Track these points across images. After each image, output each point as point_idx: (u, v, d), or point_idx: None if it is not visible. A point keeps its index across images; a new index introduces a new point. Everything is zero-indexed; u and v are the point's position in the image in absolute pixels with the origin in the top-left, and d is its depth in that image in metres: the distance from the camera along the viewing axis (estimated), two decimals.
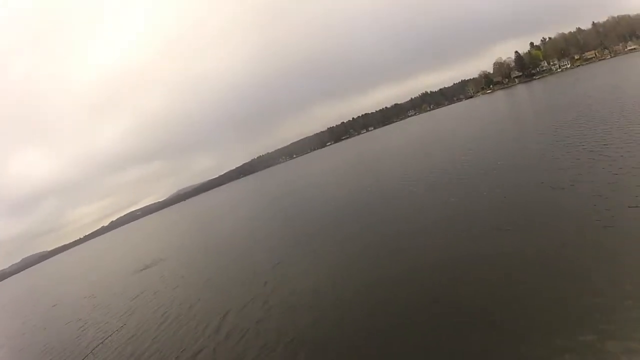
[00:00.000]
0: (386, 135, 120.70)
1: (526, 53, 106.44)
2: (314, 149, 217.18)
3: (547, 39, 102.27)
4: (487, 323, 8.29)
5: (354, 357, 9.09)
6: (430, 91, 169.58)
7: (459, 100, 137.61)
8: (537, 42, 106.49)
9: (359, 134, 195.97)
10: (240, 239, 32.86)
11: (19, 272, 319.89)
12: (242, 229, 37.66)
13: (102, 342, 10.78)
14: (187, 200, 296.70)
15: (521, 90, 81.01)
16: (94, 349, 9.91)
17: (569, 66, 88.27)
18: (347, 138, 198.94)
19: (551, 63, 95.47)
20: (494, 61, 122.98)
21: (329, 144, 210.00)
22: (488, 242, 12.15)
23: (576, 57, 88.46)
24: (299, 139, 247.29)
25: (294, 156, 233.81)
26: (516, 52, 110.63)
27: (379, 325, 10.08)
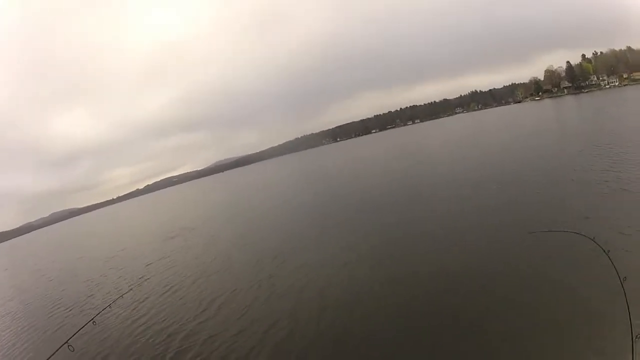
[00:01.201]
0: (433, 128, 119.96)
1: (577, 65, 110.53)
2: (359, 135, 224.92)
3: (599, 53, 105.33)
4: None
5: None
6: (480, 91, 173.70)
7: (507, 103, 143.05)
8: (588, 55, 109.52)
9: (404, 124, 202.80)
10: (268, 217, 34.09)
11: (47, 226, 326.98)
12: (273, 208, 38.95)
13: (108, 306, 11.26)
14: (224, 172, 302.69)
15: (570, 102, 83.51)
16: (97, 314, 10.20)
17: (617, 84, 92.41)
18: (393, 127, 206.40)
19: (600, 78, 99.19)
20: (544, 68, 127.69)
21: (374, 131, 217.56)
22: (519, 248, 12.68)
23: (624, 76, 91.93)
24: (344, 123, 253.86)
25: (338, 139, 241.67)
26: (567, 62, 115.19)
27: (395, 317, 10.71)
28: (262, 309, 13.62)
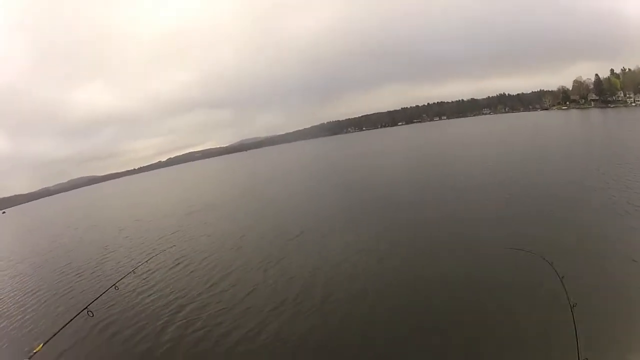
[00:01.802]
0: (459, 126, 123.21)
1: (605, 79, 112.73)
2: (385, 126, 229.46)
3: (627, 70, 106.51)
4: None
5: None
6: (508, 94, 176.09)
7: (534, 109, 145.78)
8: (617, 70, 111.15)
9: (431, 120, 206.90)
10: (288, 200, 35.55)
11: (64, 191, 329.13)
12: (294, 192, 40.28)
13: (118, 281, 10.55)
14: (247, 151, 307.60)
15: (596, 115, 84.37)
16: (107, 289, 10.00)
17: None
18: (419, 122, 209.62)
19: (627, 95, 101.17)
20: (573, 78, 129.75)
21: (400, 123, 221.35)
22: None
23: None
24: (370, 113, 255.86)
25: (363, 128, 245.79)
26: (596, 75, 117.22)
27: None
28: (269, 289, 14.52)
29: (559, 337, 8.33)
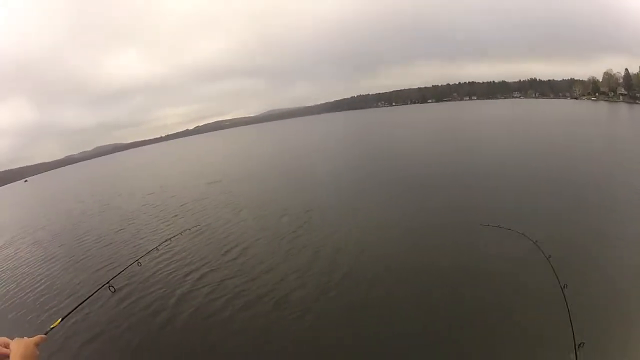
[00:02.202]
0: (490, 108, 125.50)
1: (635, 74, 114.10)
2: (415, 102, 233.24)
3: None
4: None
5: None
6: (539, 79, 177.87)
7: (564, 97, 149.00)
8: None
9: (461, 99, 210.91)
10: (310, 173, 36.23)
11: (90, 159, 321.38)
12: (318, 164, 41.12)
13: (141, 257, 9.83)
14: (276, 121, 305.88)
15: (624, 109, 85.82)
16: (130, 265, 9.19)
17: None
18: (449, 100, 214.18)
19: None
20: (603, 70, 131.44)
21: (430, 100, 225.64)
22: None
23: None
24: (400, 89, 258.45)
25: (393, 104, 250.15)
26: (626, 69, 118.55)
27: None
28: (280, 261, 15.31)
29: (551, 321, 7.93)
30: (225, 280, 14.56)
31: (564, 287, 5.81)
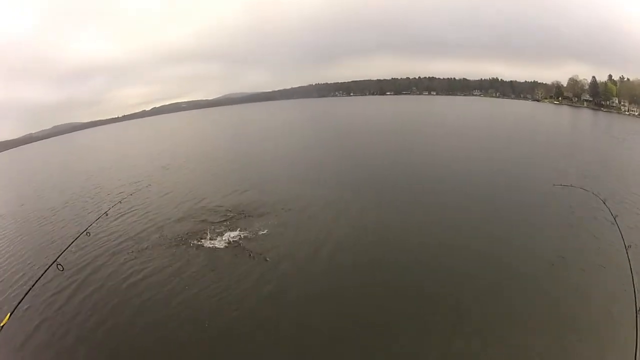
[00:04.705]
0: (447, 104, 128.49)
1: (602, 83, 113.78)
2: (373, 94, 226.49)
3: (626, 79, 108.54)
4: None
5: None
6: (501, 79, 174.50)
7: (525, 98, 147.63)
8: (615, 77, 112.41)
9: (420, 93, 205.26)
10: (267, 157, 37.15)
11: (48, 138, 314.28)
12: (274, 148, 42.80)
13: (89, 226, 9.79)
14: (233, 106, 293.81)
15: (587, 115, 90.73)
16: (78, 236, 8.85)
17: (636, 114, 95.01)
18: (408, 94, 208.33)
19: (622, 103, 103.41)
20: (567, 76, 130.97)
21: (389, 93, 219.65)
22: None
23: None
24: (359, 80, 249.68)
25: (351, 94, 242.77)
26: (593, 77, 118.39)
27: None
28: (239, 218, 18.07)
29: (613, 282, 8.45)
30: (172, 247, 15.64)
31: (628, 247, 5.71)
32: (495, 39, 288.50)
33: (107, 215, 12.88)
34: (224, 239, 16.42)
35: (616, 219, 6.61)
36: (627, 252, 5.40)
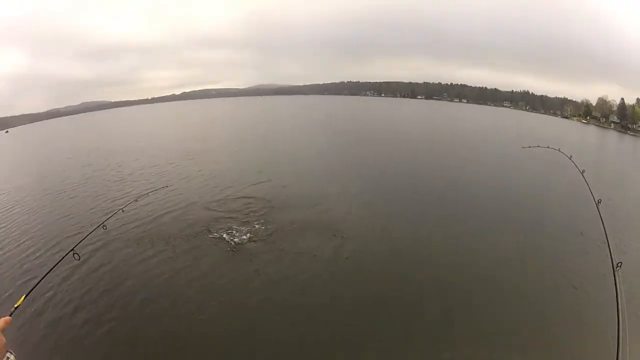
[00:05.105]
0: (477, 113, 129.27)
1: (630, 105, 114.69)
2: (404, 96, 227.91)
3: None
4: None
5: None
6: (532, 93, 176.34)
7: (555, 114, 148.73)
8: None
9: (451, 100, 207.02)
10: (291, 153, 37.70)
11: (75, 114, 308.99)
12: (299, 144, 42.71)
13: (106, 220, 9.57)
14: (264, 97, 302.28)
15: (614, 138, 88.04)
16: (95, 229, 8.80)
17: None
18: (439, 99, 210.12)
19: None
20: (597, 95, 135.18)
21: (419, 97, 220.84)
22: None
23: None
24: (391, 80, 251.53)
25: (382, 95, 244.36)
26: (622, 99, 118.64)
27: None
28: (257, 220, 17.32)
29: (588, 233, 9.08)
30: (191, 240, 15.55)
31: (598, 202, 5.86)
32: (531, 51, 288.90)
33: (123, 211, 12.63)
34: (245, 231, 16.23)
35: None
36: (597, 207, 5.52)
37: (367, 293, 11.76)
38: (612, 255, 4.69)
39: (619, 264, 4.40)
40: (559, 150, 11.31)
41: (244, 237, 15.93)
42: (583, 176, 7.50)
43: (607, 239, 5.02)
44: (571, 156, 9.16)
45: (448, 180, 26.28)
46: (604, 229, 5.29)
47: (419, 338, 9.46)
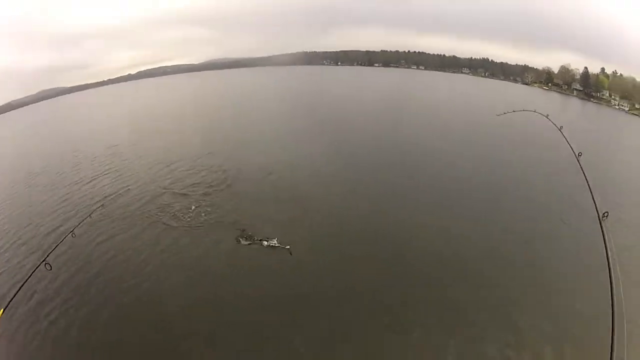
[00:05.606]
0: (441, 81, 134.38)
1: (594, 74, 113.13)
2: (361, 64, 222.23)
3: (619, 75, 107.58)
4: None
5: None
6: (492, 60, 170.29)
7: (515, 81, 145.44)
8: (608, 71, 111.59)
9: (409, 67, 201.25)
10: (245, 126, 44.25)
11: (34, 103, 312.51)
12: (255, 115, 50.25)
13: (75, 227, 9.79)
14: (218, 71, 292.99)
15: (577, 104, 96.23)
16: (64, 237, 9.05)
17: (626, 109, 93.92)
18: (397, 67, 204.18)
19: (612, 96, 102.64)
20: (559, 64, 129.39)
21: (377, 65, 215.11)
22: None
23: (636, 106, 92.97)
24: (348, 50, 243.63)
25: (339, 64, 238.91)
26: (585, 67, 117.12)
27: None
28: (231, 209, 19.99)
29: (573, 189, 9.70)
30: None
31: (578, 155, 6.20)
32: (492, 19, 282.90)
33: (90, 217, 13.55)
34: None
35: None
36: (578, 160, 5.46)
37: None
38: (597, 206, 5.05)
39: (605, 214, 4.77)
40: (534, 111, 12.81)
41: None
42: (561, 132, 8.35)
43: (590, 190, 5.45)
44: (548, 115, 9.98)
45: (430, 154, 31.11)
46: (587, 180, 5.70)
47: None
